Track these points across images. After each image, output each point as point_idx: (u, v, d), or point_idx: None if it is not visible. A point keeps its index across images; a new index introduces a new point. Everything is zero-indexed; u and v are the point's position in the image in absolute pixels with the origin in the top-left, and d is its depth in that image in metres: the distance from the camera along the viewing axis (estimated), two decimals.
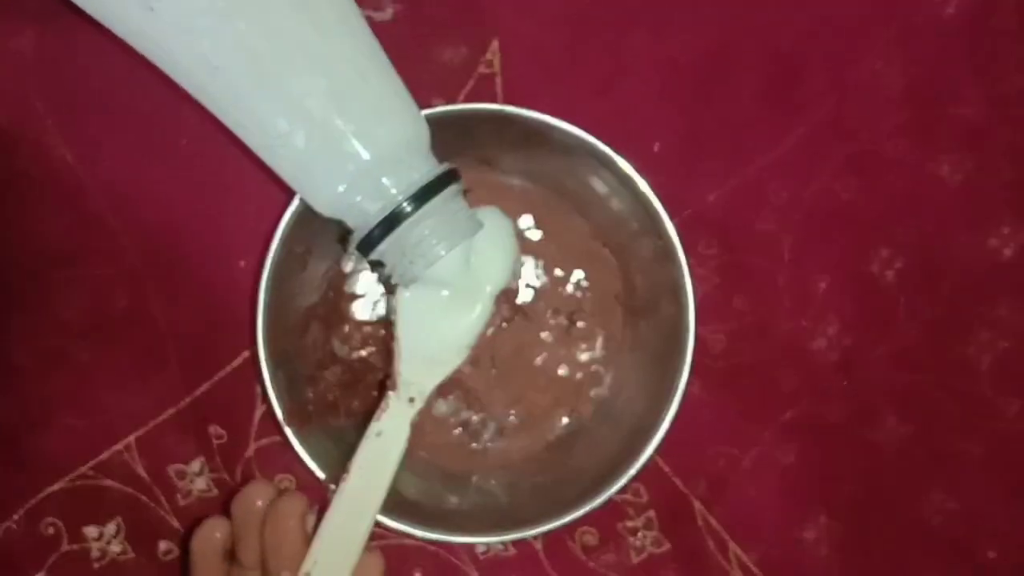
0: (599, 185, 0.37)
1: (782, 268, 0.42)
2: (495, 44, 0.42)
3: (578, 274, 0.41)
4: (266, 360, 0.34)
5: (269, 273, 0.34)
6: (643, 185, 0.35)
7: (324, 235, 0.38)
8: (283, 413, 0.35)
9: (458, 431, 0.40)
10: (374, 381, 0.40)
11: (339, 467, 0.35)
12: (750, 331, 0.42)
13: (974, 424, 0.43)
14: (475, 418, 0.40)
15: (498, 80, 0.42)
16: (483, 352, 0.40)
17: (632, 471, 0.35)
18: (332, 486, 0.35)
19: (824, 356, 0.42)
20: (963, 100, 0.42)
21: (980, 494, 0.43)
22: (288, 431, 0.35)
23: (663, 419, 0.35)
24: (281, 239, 0.34)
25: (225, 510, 0.37)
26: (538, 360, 0.40)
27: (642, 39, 0.42)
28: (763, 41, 0.42)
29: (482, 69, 0.42)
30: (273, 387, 0.34)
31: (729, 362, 0.42)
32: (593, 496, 0.35)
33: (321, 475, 0.35)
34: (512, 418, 0.40)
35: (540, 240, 0.40)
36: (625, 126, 0.42)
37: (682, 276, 0.35)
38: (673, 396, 0.35)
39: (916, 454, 0.42)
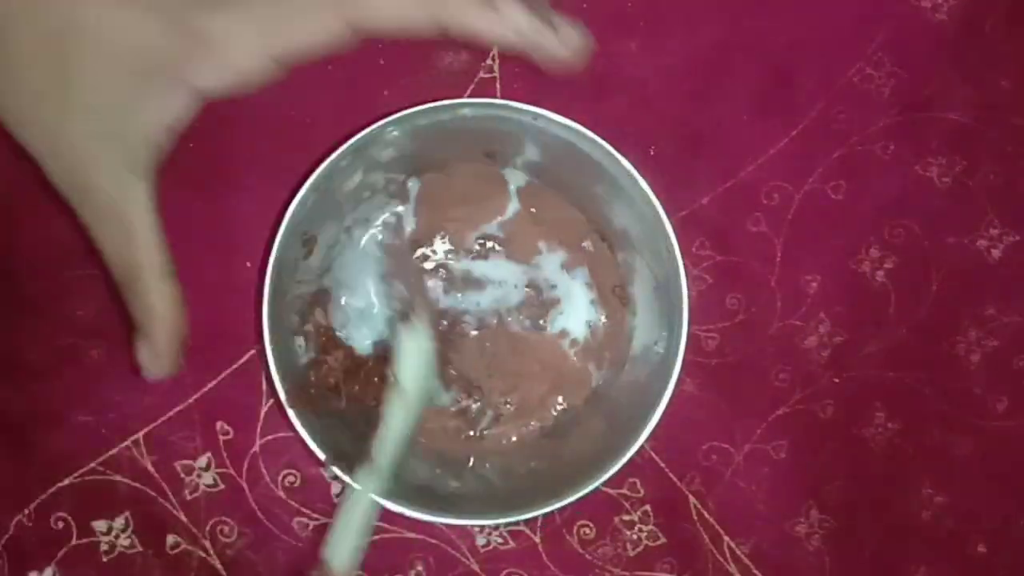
0: (598, 184, 0.38)
1: (774, 268, 0.43)
2: (495, 49, 0.43)
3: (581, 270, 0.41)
4: (270, 340, 0.34)
5: (276, 253, 0.34)
6: (643, 184, 0.35)
7: (328, 224, 0.38)
8: (286, 395, 0.35)
9: (455, 419, 0.41)
10: (375, 367, 0.41)
11: (339, 450, 0.36)
12: (743, 330, 0.43)
13: (963, 421, 0.43)
14: (473, 406, 0.41)
15: (498, 85, 0.42)
16: (481, 342, 0.41)
17: (624, 459, 0.35)
18: (332, 467, 0.35)
19: (815, 354, 0.43)
20: (952, 104, 0.43)
21: (969, 489, 0.43)
22: (291, 413, 0.35)
23: (655, 410, 0.35)
24: (287, 228, 0.34)
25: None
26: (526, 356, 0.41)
27: (638, 45, 0.42)
28: (756, 46, 0.43)
29: (482, 74, 0.43)
30: (277, 370, 0.35)
31: (722, 360, 0.43)
32: (586, 483, 0.35)
33: (322, 456, 0.35)
34: (508, 406, 0.41)
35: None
36: (622, 130, 0.42)
37: (677, 275, 0.35)
38: (665, 389, 0.35)
39: (906, 450, 0.43)
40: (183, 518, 0.41)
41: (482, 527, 0.41)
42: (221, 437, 0.42)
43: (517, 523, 0.41)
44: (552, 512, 0.35)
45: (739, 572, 0.42)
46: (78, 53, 0.28)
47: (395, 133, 0.36)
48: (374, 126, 0.35)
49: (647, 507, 0.42)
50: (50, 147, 0.30)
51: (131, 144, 0.29)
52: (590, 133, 0.35)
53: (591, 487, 0.35)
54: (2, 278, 0.41)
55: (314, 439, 0.35)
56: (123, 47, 0.28)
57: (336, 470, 0.35)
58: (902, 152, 0.43)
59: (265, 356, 0.35)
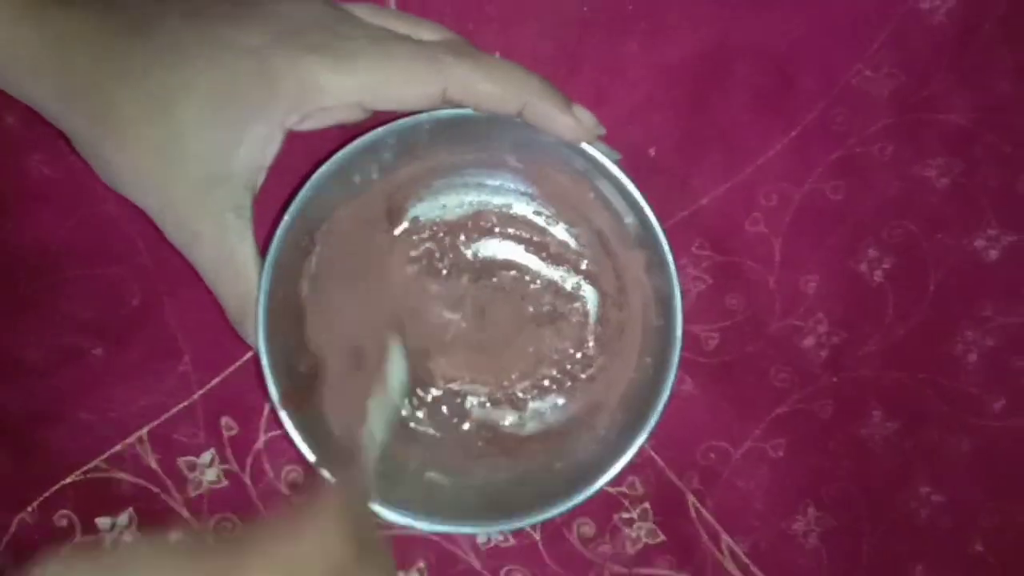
0: (593, 191, 0.38)
1: (773, 268, 0.43)
2: (496, 55, 0.42)
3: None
4: (264, 339, 0.34)
5: (273, 253, 0.34)
6: (636, 194, 0.35)
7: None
8: (280, 396, 0.35)
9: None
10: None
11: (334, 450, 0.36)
12: (742, 329, 0.43)
13: (960, 420, 0.43)
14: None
15: None
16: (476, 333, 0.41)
17: (622, 462, 0.35)
18: (323, 470, 0.35)
19: (814, 354, 0.43)
20: (951, 105, 0.43)
21: (967, 488, 0.43)
22: (282, 413, 0.35)
23: (651, 416, 0.35)
24: (285, 228, 0.34)
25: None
26: (531, 349, 0.41)
27: (637, 47, 0.42)
28: (755, 47, 0.43)
29: None
30: (270, 370, 0.34)
31: (721, 359, 0.43)
32: (586, 486, 0.35)
33: (311, 457, 0.35)
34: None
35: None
36: (621, 131, 0.42)
37: (672, 285, 0.35)
38: (660, 398, 0.35)
39: (903, 449, 0.43)
40: (186, 515, 0.42)
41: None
42: (226, 433, 0.42)
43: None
44: (555, 516, 0.35)
45: (737, 569, 0.42)
46: (183, 103, 0.29)
47: (391, 141, 0.36)
48: (374, 132, 0.35)
49: (646, 505, 0.42)
50: (162, 200, 0.31)
51: (234, 186, 0.31)
52: (586, 145, 0.35)
53: (592, 490, 0.35)
54: (3, 278, 0.42)
55: (307, 440, 0.35)
56: (224, 92, 0.29)
57: (326, 472, 0.35)
58: (901, 153, 0.43)
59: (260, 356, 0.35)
